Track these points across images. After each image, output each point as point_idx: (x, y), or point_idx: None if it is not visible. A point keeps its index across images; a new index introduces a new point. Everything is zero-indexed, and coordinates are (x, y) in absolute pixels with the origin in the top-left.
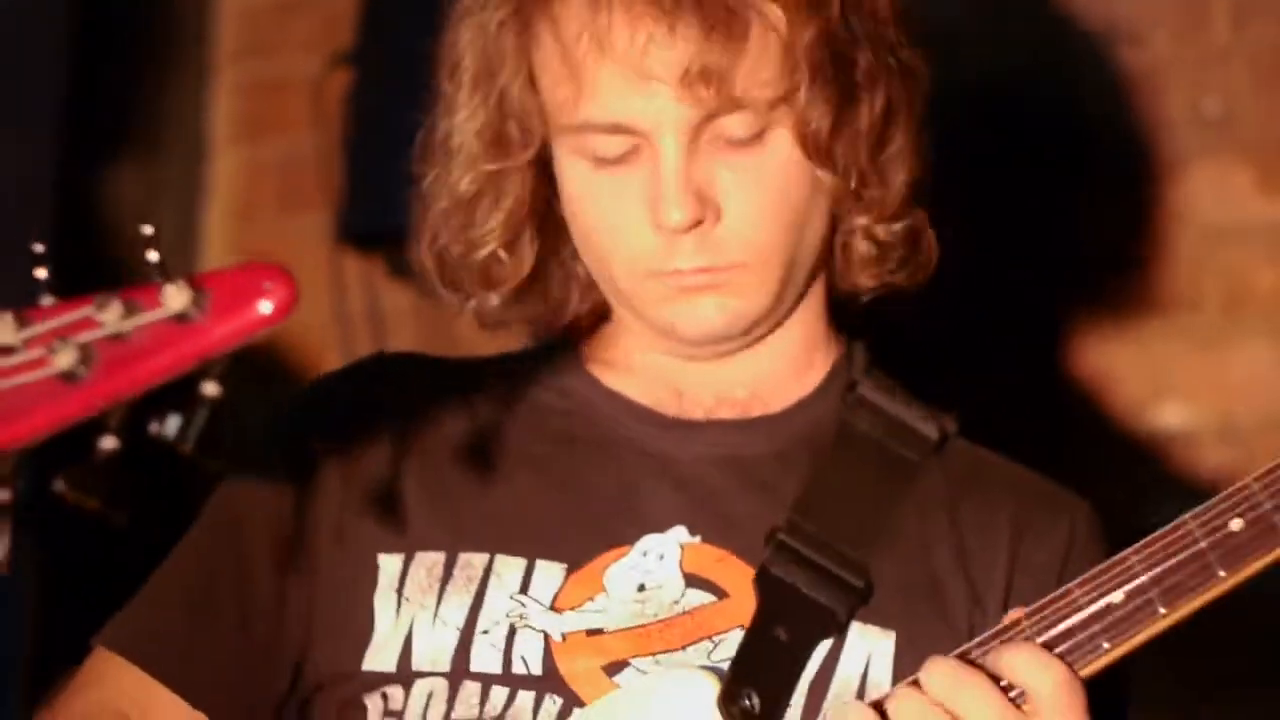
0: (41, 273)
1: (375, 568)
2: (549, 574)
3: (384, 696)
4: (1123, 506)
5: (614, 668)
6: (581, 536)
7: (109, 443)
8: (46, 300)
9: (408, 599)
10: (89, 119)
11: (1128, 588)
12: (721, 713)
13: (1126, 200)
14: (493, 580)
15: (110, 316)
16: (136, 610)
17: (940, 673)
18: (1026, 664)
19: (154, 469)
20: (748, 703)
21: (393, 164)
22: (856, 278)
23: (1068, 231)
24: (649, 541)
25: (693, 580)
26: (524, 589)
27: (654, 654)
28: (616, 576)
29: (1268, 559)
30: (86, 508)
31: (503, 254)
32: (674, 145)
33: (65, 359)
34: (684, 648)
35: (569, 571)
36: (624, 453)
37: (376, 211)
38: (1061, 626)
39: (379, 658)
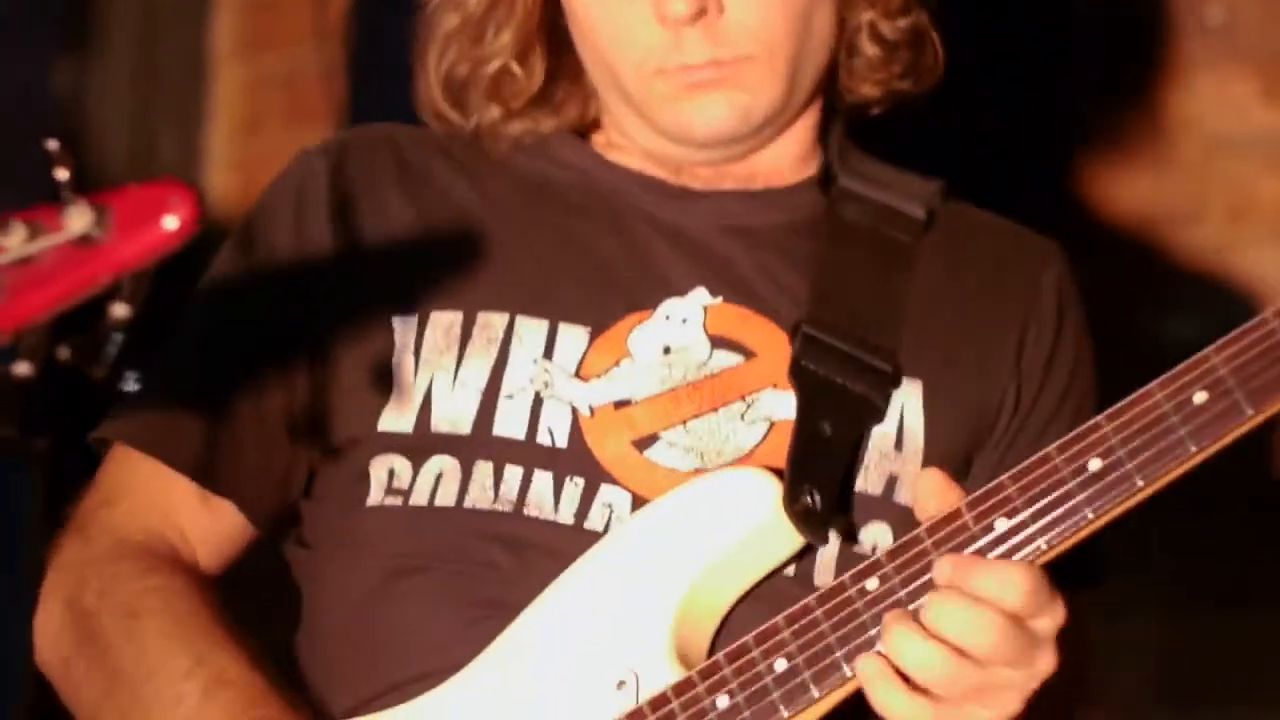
0: (63, 173)
1: (390, 331)
2: (573, 337)
3: (390, 472)
4: None
5: (644, 443)
6: (602, 300)
7: (121, 310)
8: None
9: (426, 360)
10: (88, 38)
11: (1106, 459)
12: (788, 513)
13: (1129, 105)
14: (514, 343)
15: (14, 241)
16: (144, 406)
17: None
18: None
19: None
20: (809, 500)
21: (396, 76)
22: (863, 84)
23: (1067, 142)
24: (670, 305)
25: (718, 342)
26: (548, 353)
27: (684, 421)
28: (640, 340)
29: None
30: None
31: (515, 67)
32: None
33: None
34: (716, 410)
35: (593, 335)
36: (633, 221)
37: (380, 117)
38: (1047, 499)
39: (395, 419)
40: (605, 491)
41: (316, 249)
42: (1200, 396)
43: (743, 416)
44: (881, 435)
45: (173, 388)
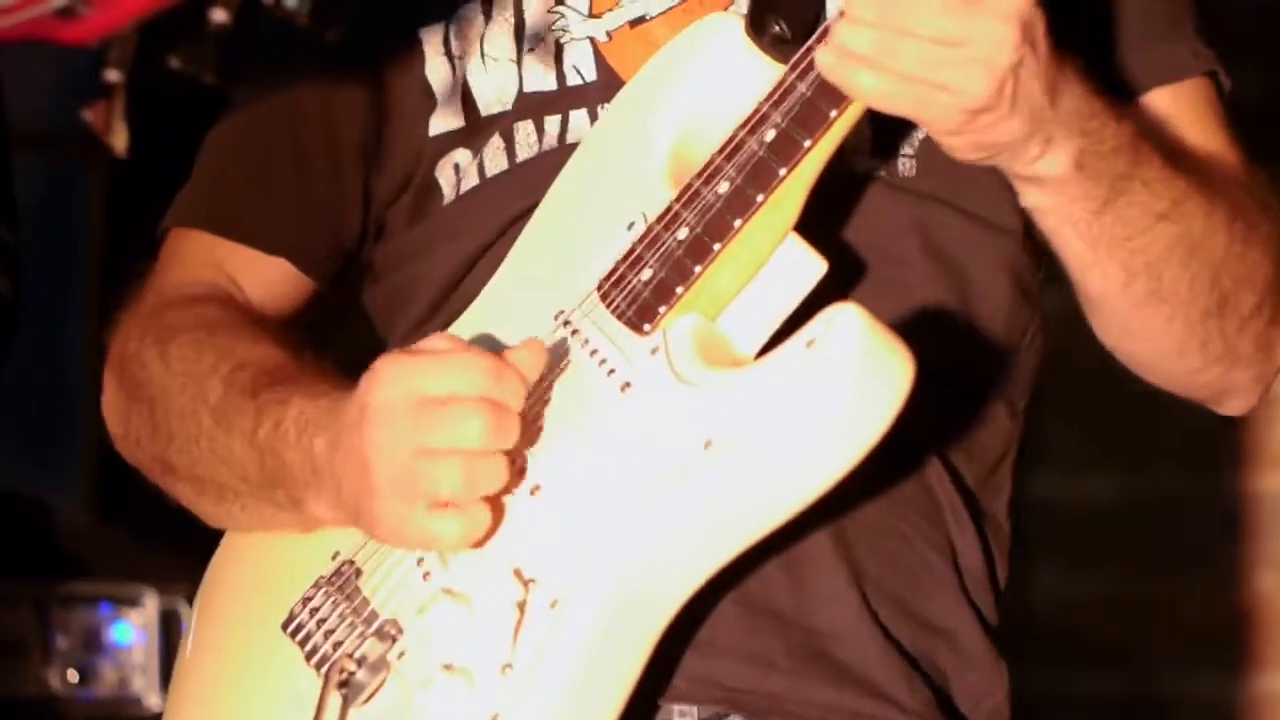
0: None
1: (420, 43)
2: None
3: (455, 168)
4: None
5: None
6: None
7: (220, 15)
8: None
9: (457, 56)
10: None
11: None
12: (753, 40)
13: None
14: (526, 3)
15: None
16: (192, 187)
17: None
18: None
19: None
20: (777, 28)
21: None
22: None
23: None
24: None
25: None
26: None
27: None
28: None
29: None
30: (200, 81)
31: None
32: None
33: None
34: (726, 8)
35: None
36: None
37: None
38: None
39: (446, 120)
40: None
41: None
42: None
43: None
44: None
45: (212, 153)
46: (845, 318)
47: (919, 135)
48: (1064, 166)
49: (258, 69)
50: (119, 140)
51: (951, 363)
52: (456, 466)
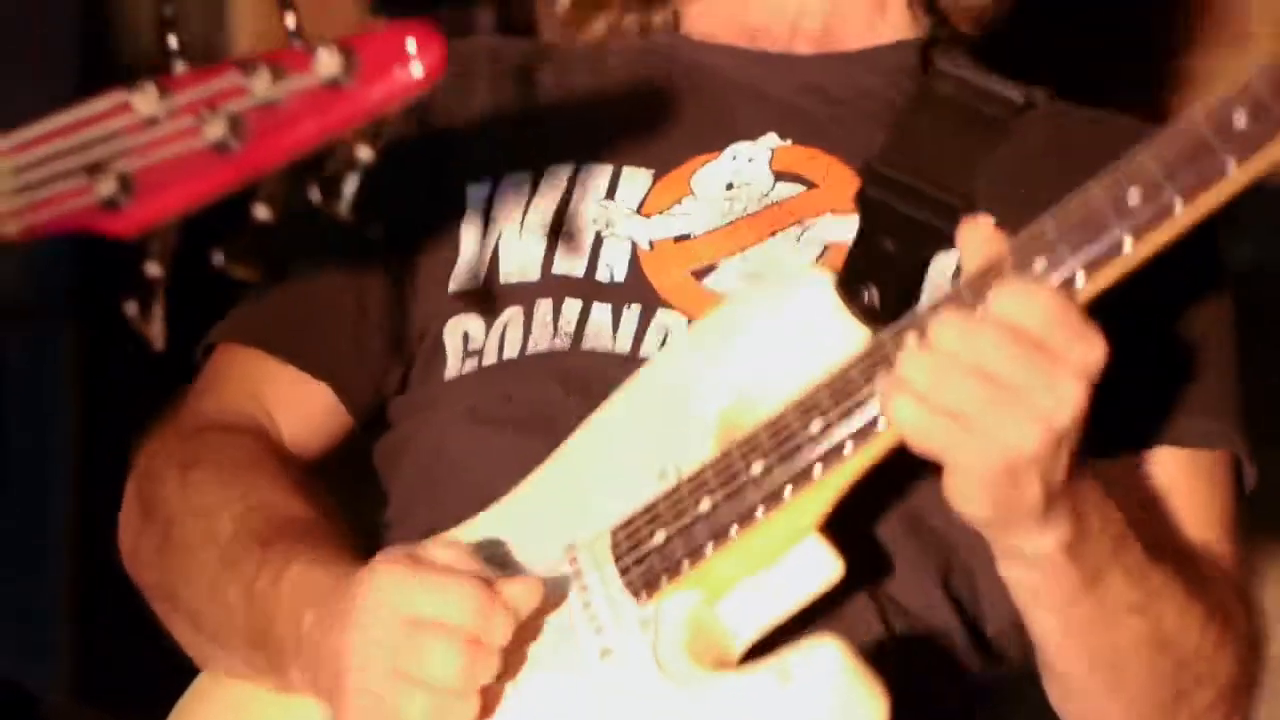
0: (173, 40)
1: (463, 198)
2: (635, 179)
3: (465, 336)
4: None
5: (702, 272)
6: (669, 144)
7: (263, 212)
8: (180, 68)
9: (494, 218)
10: None
11: (1144, 185)
12: (843, 299)
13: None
14: (578, 188)
15: (260, 84)
16: (242, 308)
17: (948, 326)
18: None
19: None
20: (867, 297)
21: None
22: None
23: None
24: (739, 147)
25: (782, 176)
26: (610, 194)
27: (742, 250)
28: (704, 179)
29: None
30: (244, 278)
31: None
32: None
33: (216, 129)
34: (772, 234)
35: (656, 176)
36: (708, 80)
37: None
38: (1085, 230)
39: (465, 279)
40: (662, 315)
41: (402, 140)
42: (1239, 119)
43: (798, 239)
44: (949, 262)
45: (268, 282)
46: (824, 655)
47: None
48: (1054, 546)
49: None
50: (156, 333)
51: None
52: (425, 699)
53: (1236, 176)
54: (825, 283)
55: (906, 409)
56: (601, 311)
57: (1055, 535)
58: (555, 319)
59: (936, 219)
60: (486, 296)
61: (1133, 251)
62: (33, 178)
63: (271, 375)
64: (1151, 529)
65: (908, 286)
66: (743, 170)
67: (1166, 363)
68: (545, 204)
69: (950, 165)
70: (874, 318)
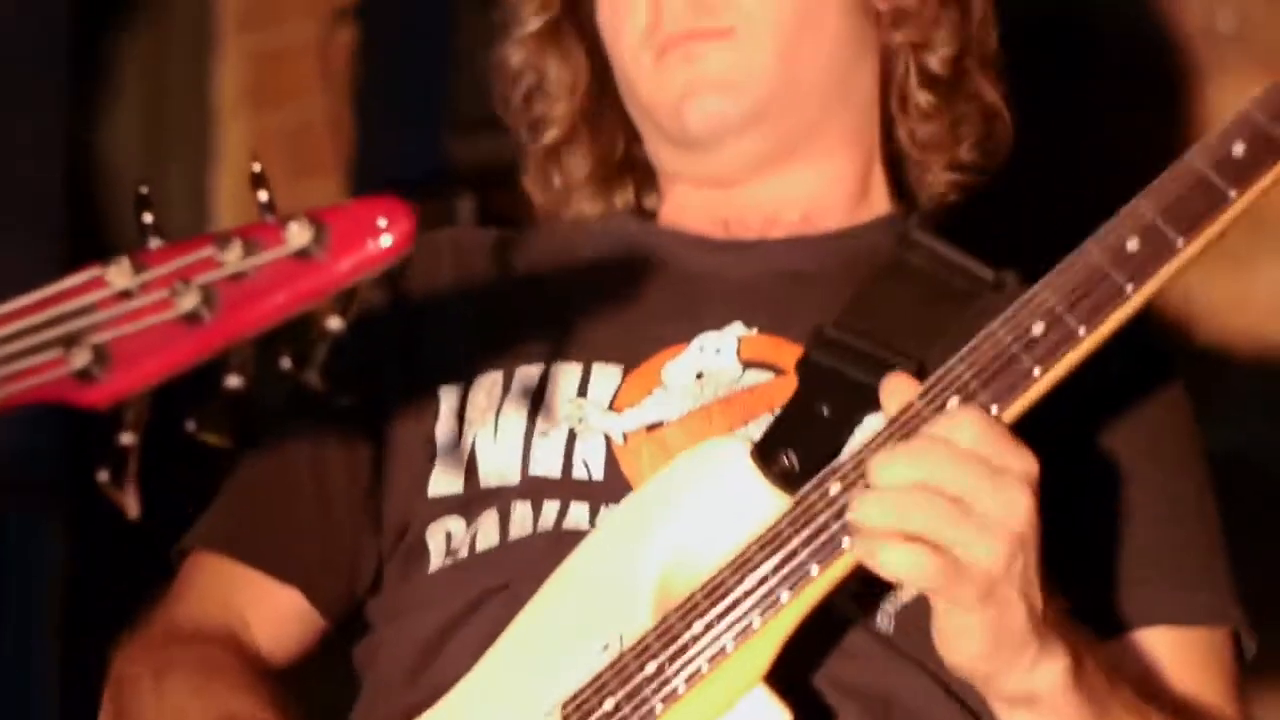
0: (148, 217)
1: (436, 401)
2: (606, 375)
3: (448, 535)
4: None
5: None
6: (638, 340)
7: (235, 381)
8: (155, 243)
9: (469, 421)
10: (95, 89)
11: (1047, 320)
12: (759, 467)
13: (1142, 118)
14: (549, 388)
15: (232, 256)
16: (213, 511)
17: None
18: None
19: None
20: (786, 461)
21: (403, 128)
22: (928, 154)
23: (1081, 148)
24: (706, 338)
25: (750, 364)
26: (581, 392)
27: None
28: (674, 371)
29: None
30: (216, 446)
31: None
32: None
33: (189, 301)
34: (746, 423)
35: (626, 371)
36: (675, 273)
37: (388, 167)
38: (994, 367)
39: (445, 483)
40: (612, 512)
41: (376, 339)
42: (1132, 244)
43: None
44: (877, 424)
45: (237, 483)
46: None
47: (901, 594)
48: (1059, 676)
49: (272, 430)
50: (131, 503)
51: None
52: None
53: (1133, 299)
54: (740, 451)
55: (894, 552)
56: (579, 509)
57: (1057, 664)
58: (535, 519)
59: (877, 379)
60: (468, 503)
61: (1040, 377)
62: (8, 351)
63: (243, 582)
64: (1148, 688)
65: (833, 448)
66: (710, 360)
67: (1152, 535)
68: (518, 406)
69: (907, 331)
70: (792, 481)
